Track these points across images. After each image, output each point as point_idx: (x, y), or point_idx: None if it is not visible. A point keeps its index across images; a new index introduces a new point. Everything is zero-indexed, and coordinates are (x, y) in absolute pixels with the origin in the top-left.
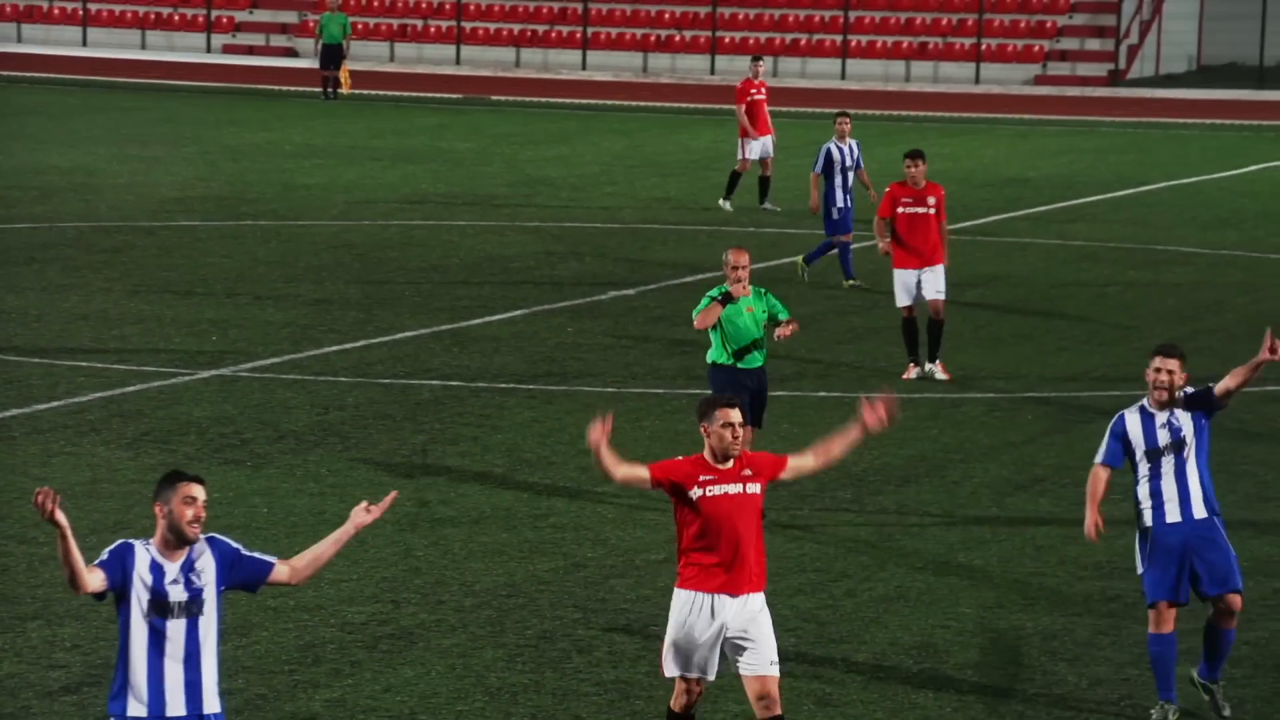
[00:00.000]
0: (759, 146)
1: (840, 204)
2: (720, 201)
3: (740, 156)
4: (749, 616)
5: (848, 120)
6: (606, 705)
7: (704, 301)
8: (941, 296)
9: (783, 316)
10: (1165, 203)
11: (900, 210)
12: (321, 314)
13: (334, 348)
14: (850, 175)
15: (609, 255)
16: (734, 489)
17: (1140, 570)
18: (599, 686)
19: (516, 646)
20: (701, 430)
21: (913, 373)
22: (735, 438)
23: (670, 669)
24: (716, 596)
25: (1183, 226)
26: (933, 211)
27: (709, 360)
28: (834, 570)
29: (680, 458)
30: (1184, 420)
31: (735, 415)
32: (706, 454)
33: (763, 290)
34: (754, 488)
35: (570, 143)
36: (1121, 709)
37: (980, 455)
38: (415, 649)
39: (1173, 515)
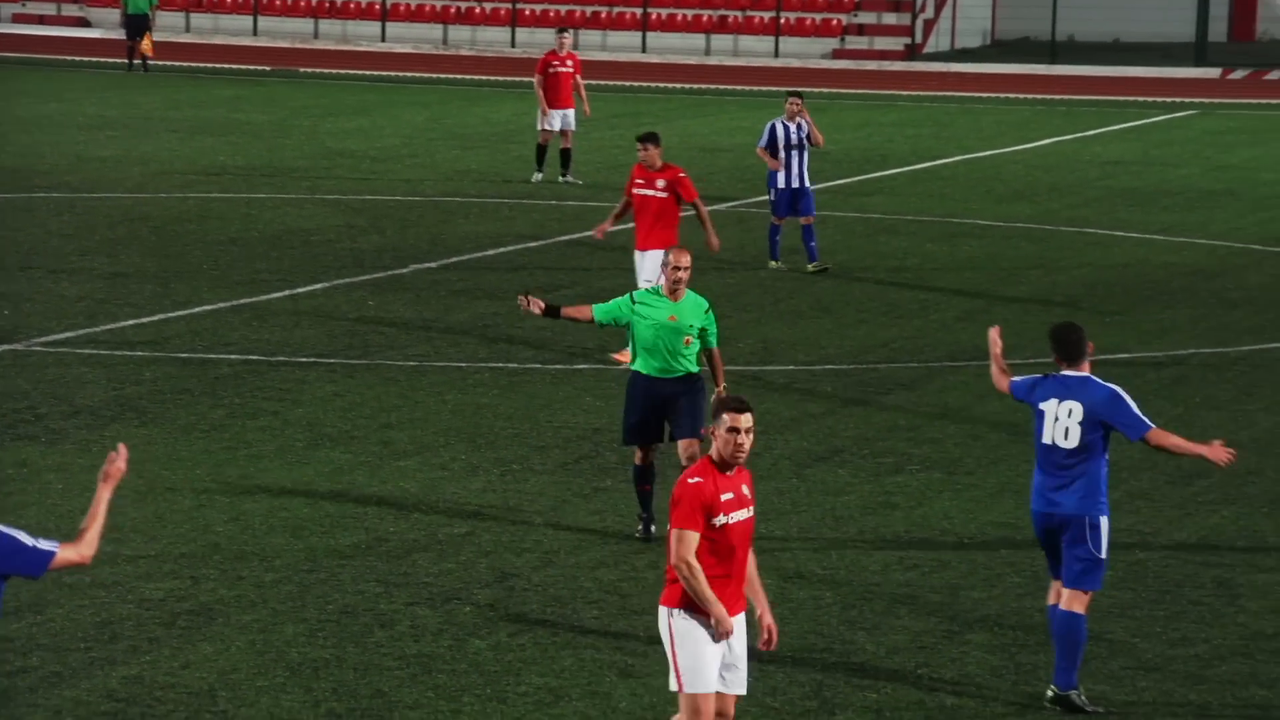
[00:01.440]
0: (559, 118)
1: (781, 184)
2: (534, 176)
3: (540, 128)
4: (739, 636)
5: (799, 100)
6: (409, 679)
7: (613, 302)
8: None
9: (712, 345)
10: (961, 176)
11: (635, 191)
12: (117, 287)
13: (130, 321)
14: (796, 155)
15: (410, 228)
16: (745, 515)
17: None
18: (401, 661)
19: (318, 621)
20: (711, 431)
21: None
22: (739, 446)
23: (695, 686)
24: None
25: (978, 199)
26: (664, 195)
27: (631, 366)
28: (636, 542)
29: (696, 482)
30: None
31: (744, 420)
32: (714, 456)
33: (706, 305)
34: (753, 509)
35: (370, 115)
36: (918, 678)
37: (780, 427)
38: (215, 625)
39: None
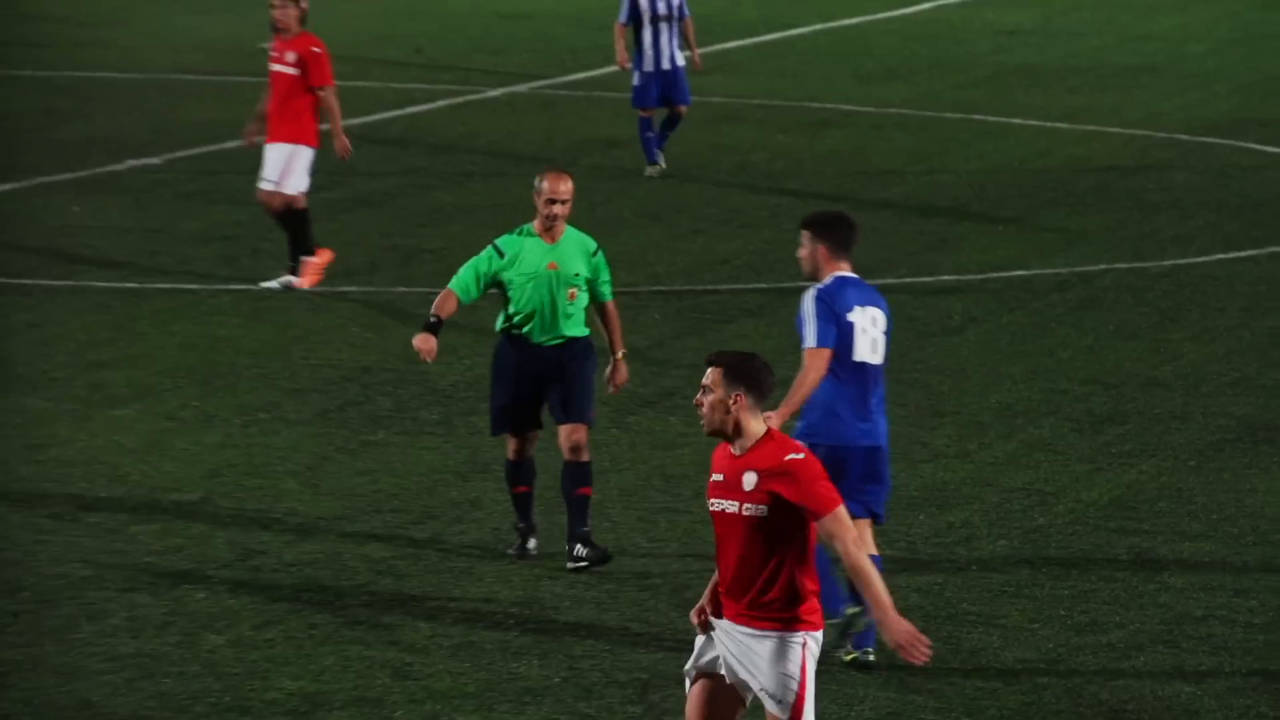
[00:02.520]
0: None
1: (649, 66)
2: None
3: None
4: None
5: None
6: (125, 685)
7: (469, 267)
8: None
9: (606, 297)
10: (821, 50)
11: (270, 66)
12: None
13: None
14: (665, 29)
15: (128, 113)
16: (723, 506)
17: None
18: (114, 663)
19: (6, 613)
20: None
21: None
22: (698, 408)
23: None
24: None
25: (842, 79)
26: (292, 71)
27: (496, 327)
28: (415, 509)
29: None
30: None
31: (706, 374)
32: None
33: (594, 247)
34: (752, 508)
35: None
36: None
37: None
38: None
39: None
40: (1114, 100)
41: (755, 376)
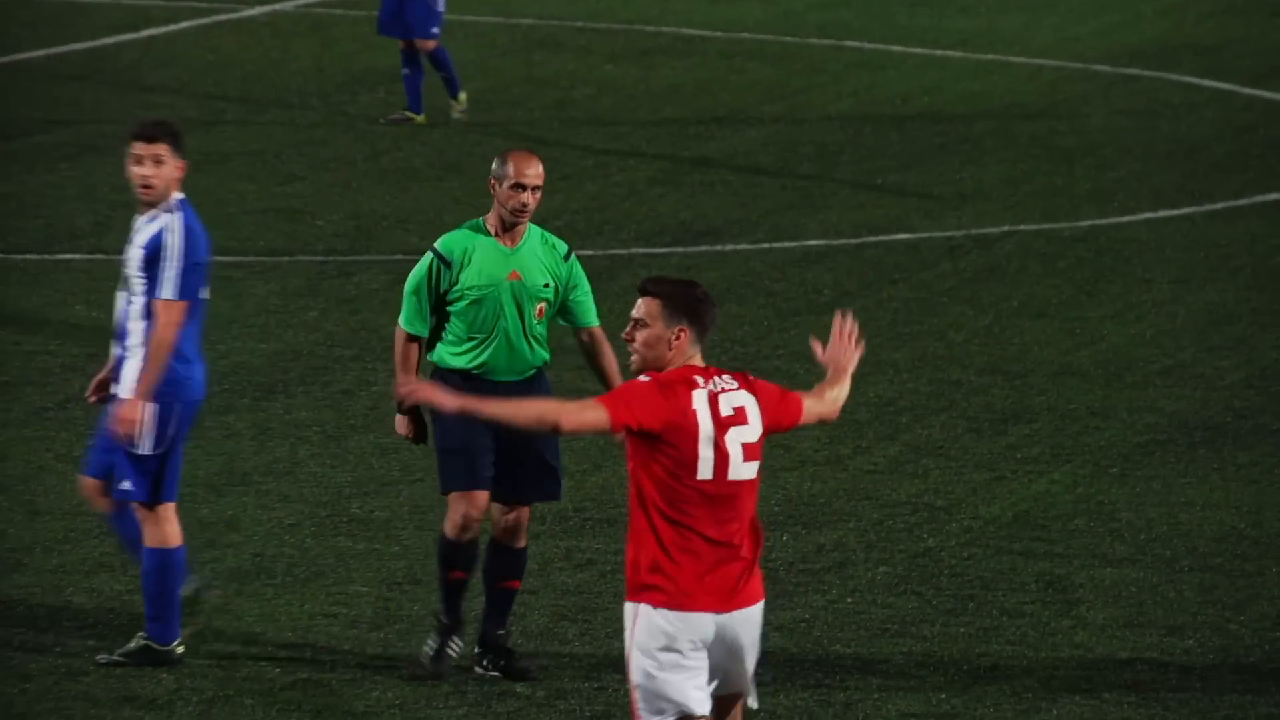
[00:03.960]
0: None
1: None
2: None
3: None
4: None
5: None
6: None
7: (408, 294)
8: None
9: (589, 321)
10: None
11: None
12: None
13: None
14: None
15: None
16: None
17: None
18: None
19: None
20: None
21: None
22: (629, 340)
23: None
24: None
25: None
26: None
27: (431, 358)
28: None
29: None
30: None
31: (638, 305)
32: None
33: (565, 249)
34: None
35: None
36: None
37: (382, 349)
38: None
39: None
40: (1017, 23)
41: (698, 308)
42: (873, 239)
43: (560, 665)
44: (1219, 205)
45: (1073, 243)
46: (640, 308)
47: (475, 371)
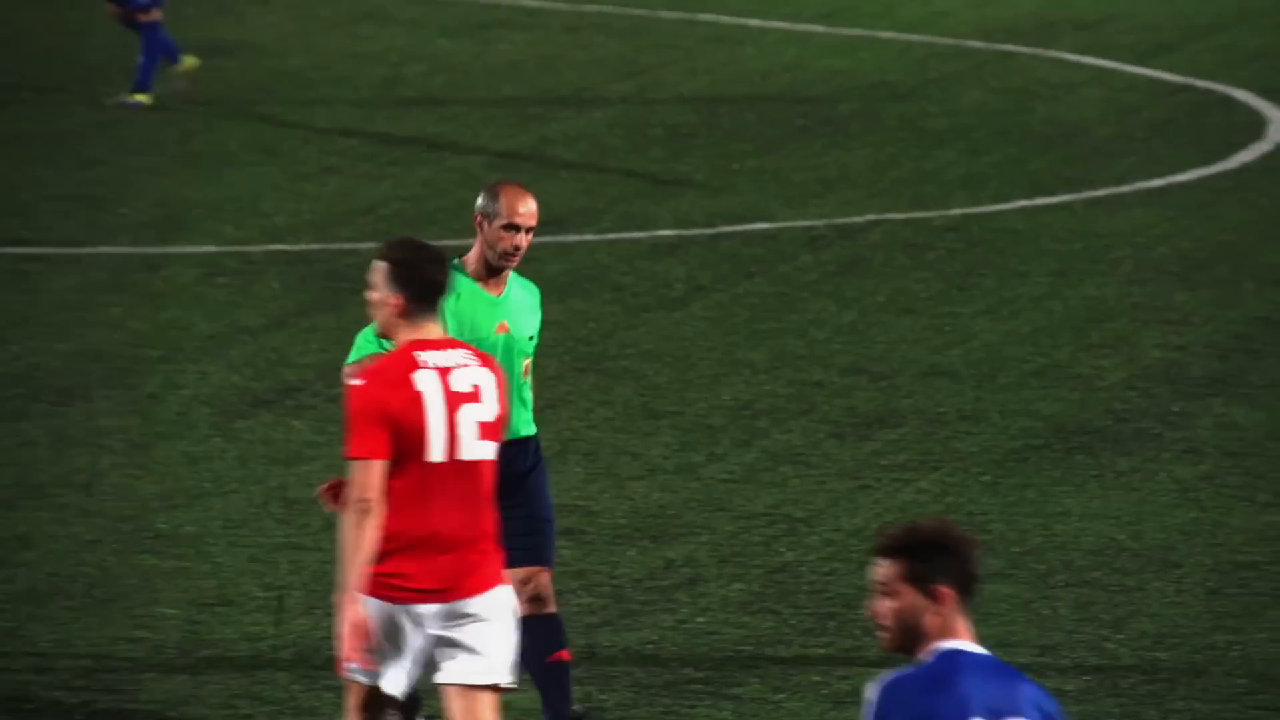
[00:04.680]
0: None
1: None
2: None
3: None
4: None
5: None
6: None
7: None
8: None
9: (528, 352)
10: None
11: None
12: None
13: None
14: None
15: None
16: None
17: None
18: None
19: None
20: None
21: None
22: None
23: None
24: None
25: None
26: None
27: None
28: None
29: None
30: None
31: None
32: None
33: (539, 291)
34: None
35: None
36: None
37: (196, 351)
38: None
39: None
40: None
41: (416, 273)
42: (728, 229)
43: None
44: (1100, 192)
45: (943, 233)
46: (372, 272)
47: None
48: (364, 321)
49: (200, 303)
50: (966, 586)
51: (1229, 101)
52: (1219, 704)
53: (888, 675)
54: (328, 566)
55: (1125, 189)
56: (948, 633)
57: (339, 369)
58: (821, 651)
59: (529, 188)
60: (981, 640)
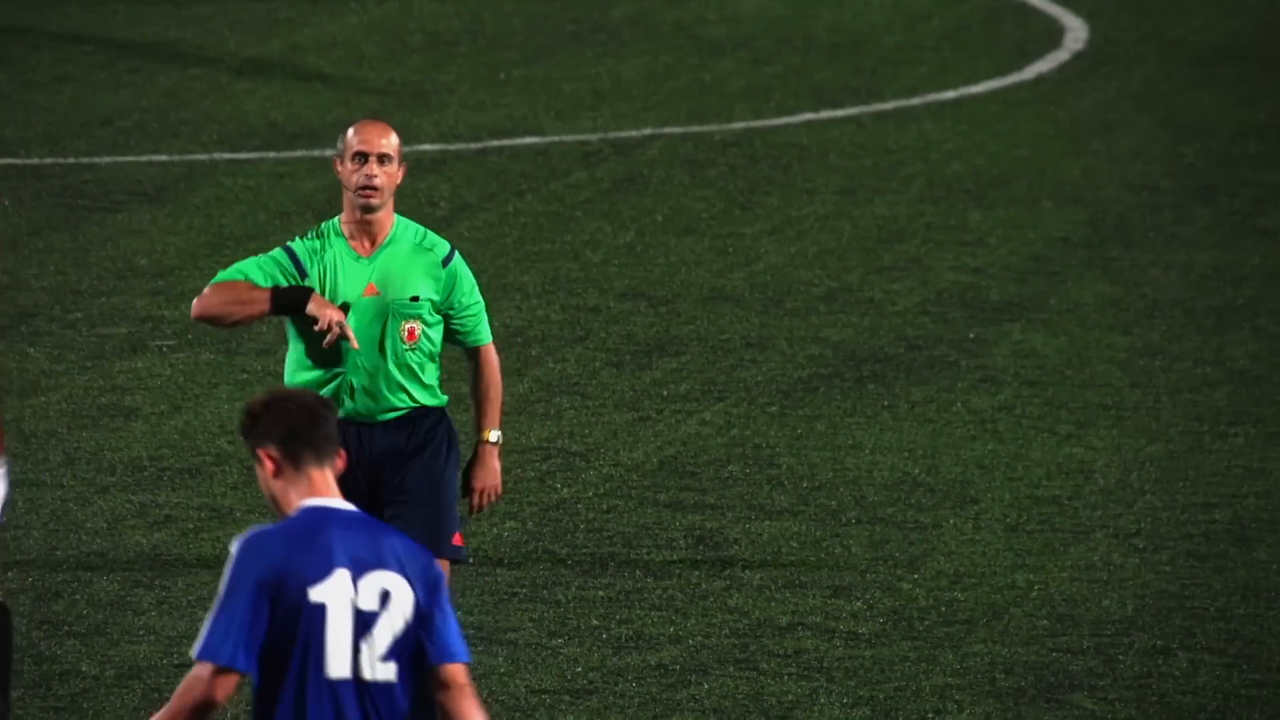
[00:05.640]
0: None
1: None
2: None
3: None
4: None
5: None
6: None
7: (250, 265)
8: None
9: (479, 339)
10: None
11: None
12: None
13: None
14: None
15: None
16: None
17: None
18: None
19: None
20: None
21: None
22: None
23: None
24: None
25: None
26: None
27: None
28: None
29: None
30: None
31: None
32: None
33: (444, 250)
34: None
35: None
36: None
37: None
38: None
39: None
40: None
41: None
42: (495, 143)
43: (134, 638)
44: (889, 105)
45: (724, 148)
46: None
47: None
48: (103, 240)
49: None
50: (293, 446)
51: (1023, 9)
52: (1019, 646)
53: (250, 530)
54: (69, 505)
55: (915, 101)
56: (311, 492)
57: (75, 292)
58: (601, 594)
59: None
60: (770, 580)
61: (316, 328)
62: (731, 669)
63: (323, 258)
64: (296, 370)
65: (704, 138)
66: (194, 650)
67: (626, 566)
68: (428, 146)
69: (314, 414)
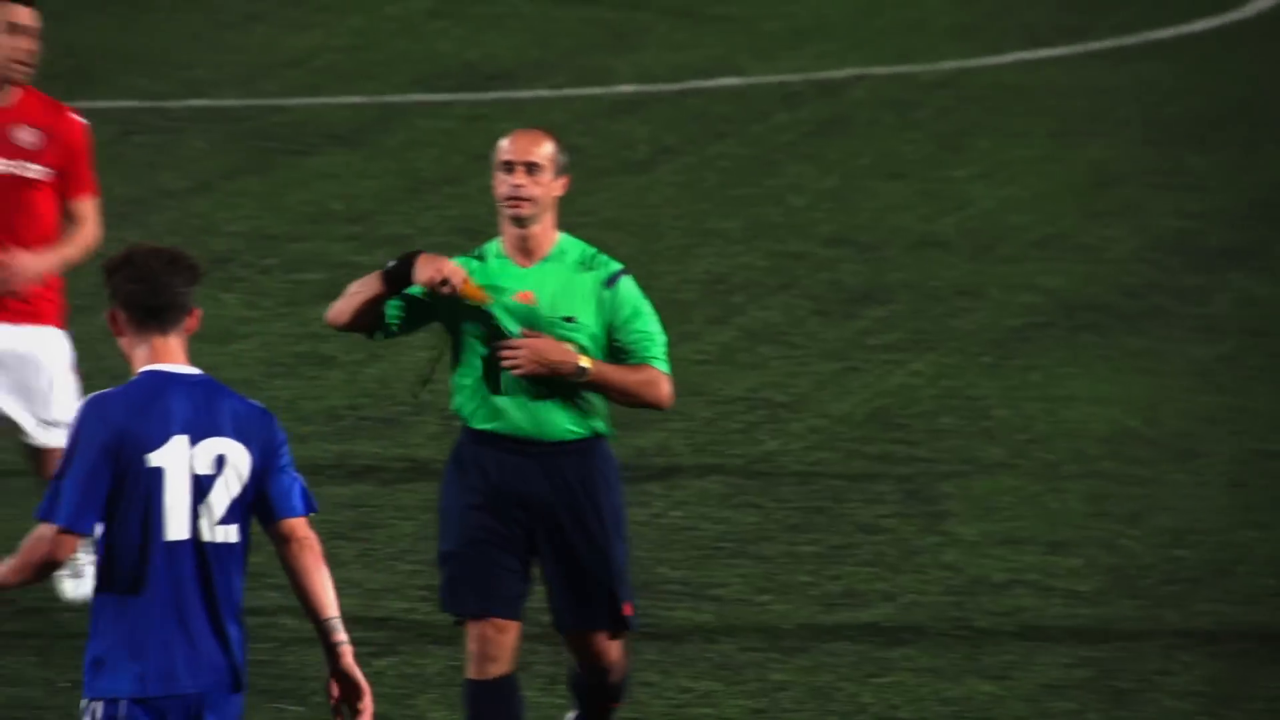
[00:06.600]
0: None
1: None
2: None
3: None
4: None
5: None
6: None
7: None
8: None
9: (654, 356)
10: None
11: None
12: None
13: None
14: None
15: None
16: None
17: None
18: None
19: None
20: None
21: None
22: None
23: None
24: None
25: None
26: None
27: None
28: None
29: None
30: None
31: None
32: None
33: (610, 270)
34: None
35: None
36: None
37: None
38: None
39: None
40: None
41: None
42: (695, 84)
43: (336, 591)
44: (1102, 44)
45: (932, 89)
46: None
47: (480, 429)
48: (296, 184)
49: (116, 164)
50: (133, 312)
51: None
52: (1245, 605)
53: (92, 394)
54: None
55: (1129, 40)
56: (153, 358)
57: (269, 237)
58: (809, 549)
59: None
60: (985, 536)
61: (427, 283)
62: (946, 627)
63: (486, 271)
64: (455, 389)
65: (911, 78)
66: (36, 510)
67: (836, 521)
68: (625, 88)
69: (155, 283)
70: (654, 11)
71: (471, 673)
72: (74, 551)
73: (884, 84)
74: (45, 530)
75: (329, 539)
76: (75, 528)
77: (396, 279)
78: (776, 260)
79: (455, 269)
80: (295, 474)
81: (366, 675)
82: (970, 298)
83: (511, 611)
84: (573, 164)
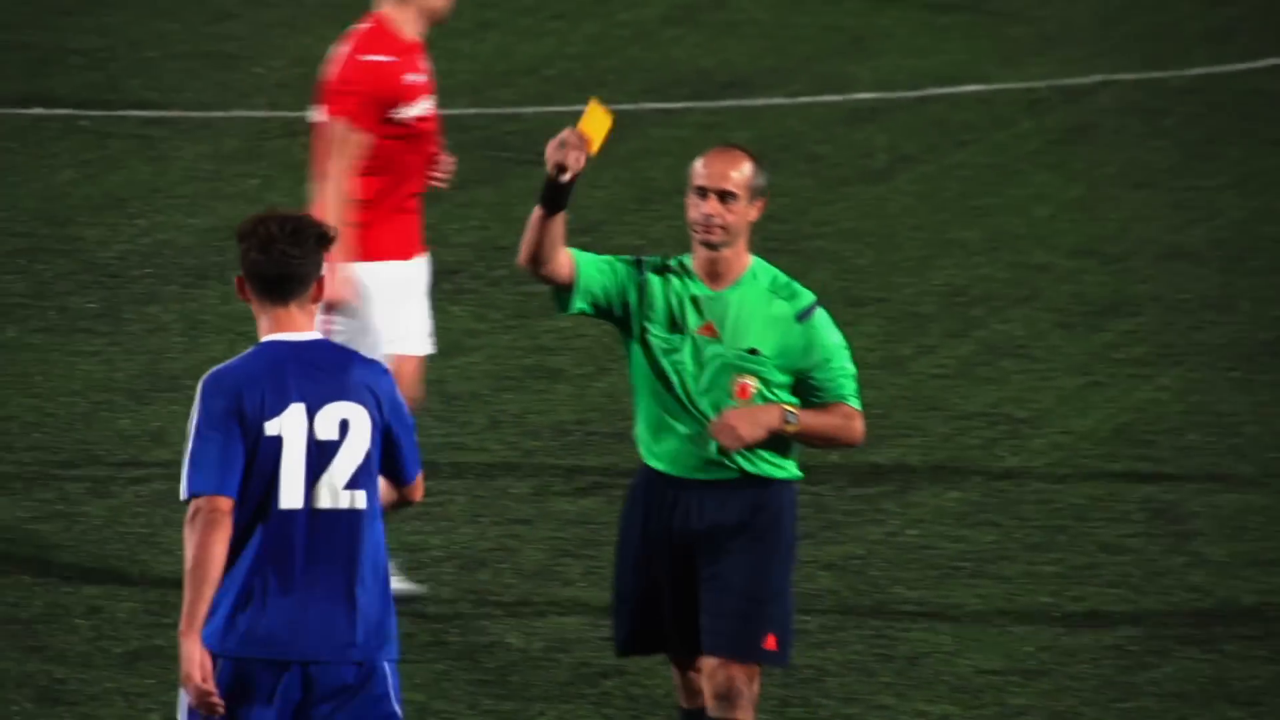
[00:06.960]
0: None
1: None
2: None
3: None
4: None
5: None
6: None
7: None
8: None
9: (847, 394)
10: None
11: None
12: None
13: None
14: None
15: None
16: None
17: None
18: None
19: None
20: None
21: None
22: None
23: None
24: None
25: None
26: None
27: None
28: (67, 445)
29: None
30: None
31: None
32: None
33: (804, 302)
34: None
35: None
36: None
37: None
38: None
39: None
40: None
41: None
42: (936, 91)
43: (561, 609)
44: None
45: (1181, 95)
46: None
47: (653, 463)
48: (526, 194)
49: None
50: (253, 281)
51: None
52: None
53: (212, 369)
54: (494, 470)
55: None
56: (273, 328)
57: (498, 248)
58: (1051, 569)
59: (741, 147)
60: (1234, 557)
61: (559, 163)
62: (1194, 650)
63: (671, 283)
64: (636, 419)
65: (1159, 84)
66: (182, 493)
67: (1078, 540)
68: (865, 95)
69: (273, 253)
70: (895, 17)
71: (681, 702)
72: (229, 514)
73: (1131, 90)
74: (195, 506)
75: (556, 556)
76: (224, 492)
77: (547, 193)
78: (1018, 272)
79: (570, 134)
80: (414, 436)
81: (591, 696)
82: (1219, 310)
83: (689, 650)
84: (810, 173)
